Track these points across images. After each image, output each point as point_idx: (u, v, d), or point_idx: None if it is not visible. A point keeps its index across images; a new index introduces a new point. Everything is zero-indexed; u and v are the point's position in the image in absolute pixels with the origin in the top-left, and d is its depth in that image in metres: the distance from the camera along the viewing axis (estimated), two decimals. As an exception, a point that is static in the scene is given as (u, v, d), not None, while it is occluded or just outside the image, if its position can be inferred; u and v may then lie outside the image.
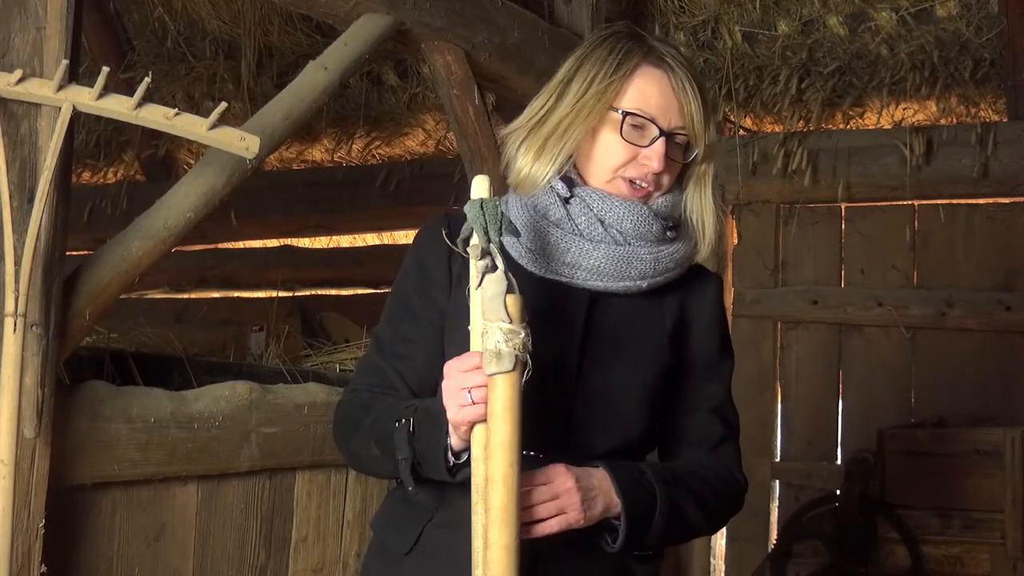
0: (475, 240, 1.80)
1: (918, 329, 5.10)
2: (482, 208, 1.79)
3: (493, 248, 1.78)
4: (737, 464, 2.21)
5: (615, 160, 2.06)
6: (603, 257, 2.02)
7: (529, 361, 1.77)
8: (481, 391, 1.79)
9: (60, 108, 2.23)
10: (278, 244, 6.41)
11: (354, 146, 6.01)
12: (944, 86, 4.95)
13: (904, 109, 5.16)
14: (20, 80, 2.21)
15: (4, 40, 2.26)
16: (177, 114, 2.31)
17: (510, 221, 1.85)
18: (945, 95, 5.01)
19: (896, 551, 4.49)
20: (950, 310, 5.02)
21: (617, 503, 1.93)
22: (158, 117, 2.29)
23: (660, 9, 5.22)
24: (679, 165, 2.10)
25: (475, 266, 1.78)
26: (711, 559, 5.28)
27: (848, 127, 5.26)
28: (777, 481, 5.30)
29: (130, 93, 2.27)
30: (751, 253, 5.39)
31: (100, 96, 2.25)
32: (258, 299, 6.37)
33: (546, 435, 1.95)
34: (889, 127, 5.15)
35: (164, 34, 6.00)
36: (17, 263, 2.18)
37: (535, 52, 3.90)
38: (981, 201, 5.08)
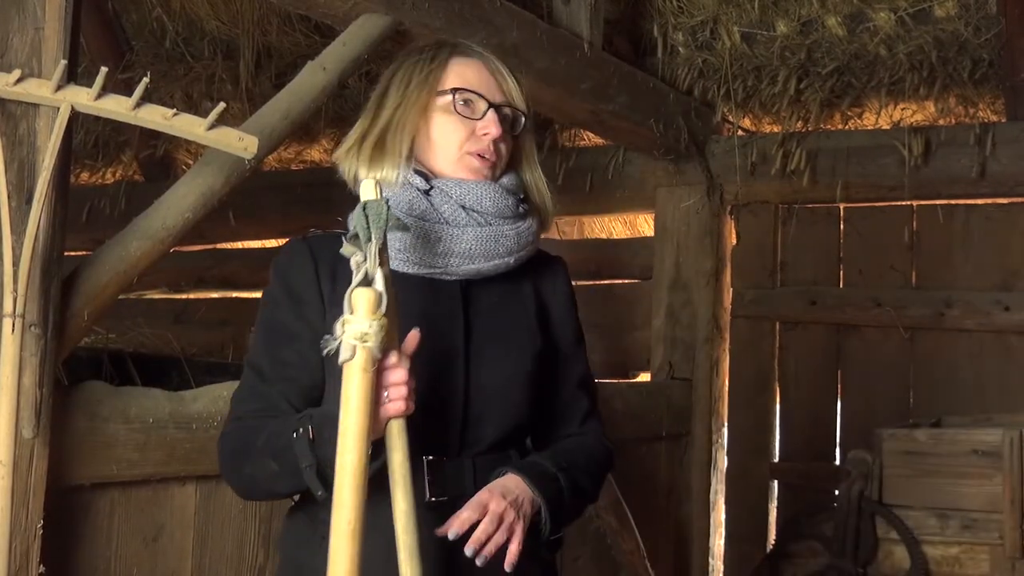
0: (351, 242, 1.87)
1: (916, 329, 5.10)
2: (364, 210, 1.84)
3: (369, 247, 1.83)
4: (603, 431, 2.33)
5: (457, 137, 2.15)
6: (472, 239, 2.10)
7: (376, 353, 1.81)
8: (399, 388, 1.85)
9: (58, 108, 2.23)
10: (276, 244, 6.41)
11: (353, 146, 6.00)
12: (943, 86, 4.95)
13: (903, 109, 5.16)
14: (18, 80, 2.21)
15: (2, 40, 2.26)
16: (175, 114, 2.31)
17: (397, 219, 1.92)
18: (944, 95, 5.01)
19: (894, 551, 4.49)
20: (948, 310, 5.02)
21: (536, 499, 2.05)
22: (156, 117, 2.29)
23: (659, 9, 5.22)
24: (511, 140, 2.19)
25: (352, 263, 1.84)
26: (710, 559, 5.28)
27: (847, 127, 5.26)
28: (776, 481, 5.30)
29: (128, 93, 2.27)
30: (750, 253, 5.40)
31: (98, 96, 2.25)
32: (257, 299, 6.35)
33: (446, 435, 2.01)
34: (888, 127, 5.15)
35: (163, 34, 6.00)
36: (15, 263, 2.18)
37: (534, 52, 3.90)
38: (979, 201, 5.08)
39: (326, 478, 1.90)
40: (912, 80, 4.94)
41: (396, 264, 2.05)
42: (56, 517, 2.34)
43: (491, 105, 2.15)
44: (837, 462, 5.13)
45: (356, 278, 1.83)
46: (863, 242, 5.24)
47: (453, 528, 1.95)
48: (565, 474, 2.11)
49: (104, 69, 2.22)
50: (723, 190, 5.31)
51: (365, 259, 1.84)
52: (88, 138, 6.36)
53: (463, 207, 2.11)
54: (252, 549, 2.87)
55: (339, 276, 2.07)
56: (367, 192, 1.90)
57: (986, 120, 4.99)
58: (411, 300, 2.02)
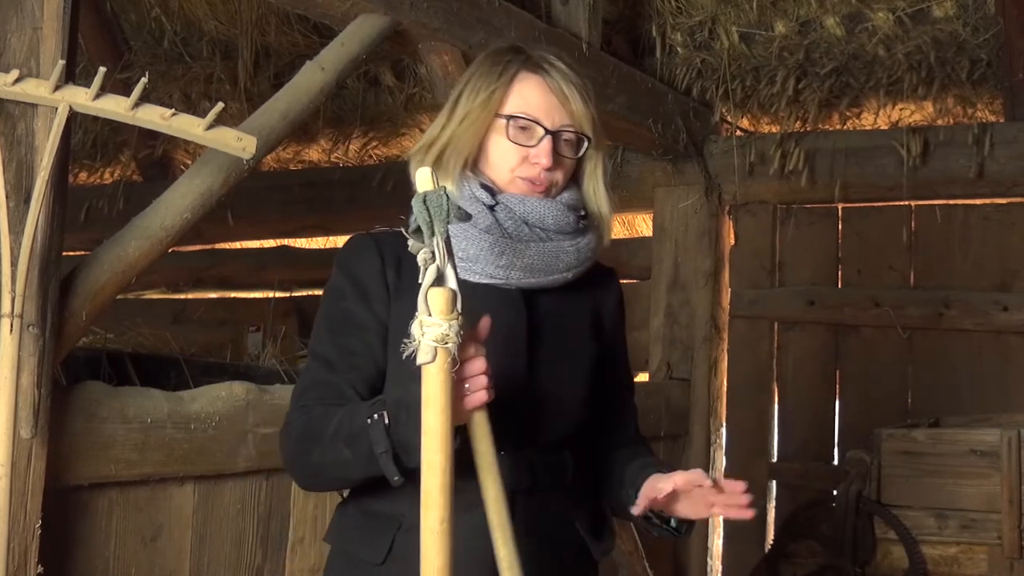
0: (415, 236, 1.85)
1: (915, 330, 5.11)
2: (425, 202, 1.82)
3: (436, 241, 1.81)
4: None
5: (509, 162, 2.17)
6: (534, 255, 2.15)
7: (456, 352, 1.82)
8: (479, 379, 1.88)
9: (57, 108, 2.23)
10: (275, 244, 6.41)
11: (351, 146, 6.01)
12: (941, 86, 4.96)
13: (901, 109, 5.16)
14: (17, 80, 2.21)
15: (0, 40, 2.26)
16: (174, 114, 2.31)
17: (459, 208, 1.92)
18: (942, 95, 5.01)
19: (893, 551, 4.49)
20: (947, 311, 5.03)
21: None
22: (154, 117, 2.29)
23: (657, 9, 5.22)
24: (572, 161, 2.21)
25: (419, 260, 1.83)
26: (708, 559, 5.28)
27: (845, 127, 5.26)
28: (774, 481, 5.30)
29: (127, 93, 2.27)
30: (748, 254, 5.40)
31: (97, 96, 2.25)
32: (255, 299, 6.36)
33: (506, 433, 2.00)
34: (886, 127, 5.15)
35: (161, 34, 6.00)
36: (13, 263, 2.18)
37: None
38: (978, 202, 5.09)
39: (401, 463, 1.93)
40: (910, 80, 4.94)
41: (459, 271, 2.04)
42: (54, 517, 2.34)
43: (547, 132, 2.15)
44: (835, 462, 5.13)
45: (427, 277, 1.81)
46: (861, 242, 5.24)
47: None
48: None
49: (102, 69, 2.22)
50: (721, 190, 5.31)
51: (433, 256, 1.82)
52: (87, 138, 6.36)
53: (526, 223, 2.15)
54: (250, 549, 2.87)
55: (404, 270, 2.12)
56: (424, 182, 1.86)
57: (984, 120, 4.99)
58: (476, 303, 2.03)
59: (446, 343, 1.79)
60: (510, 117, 2.16)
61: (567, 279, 2.20)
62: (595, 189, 2.25)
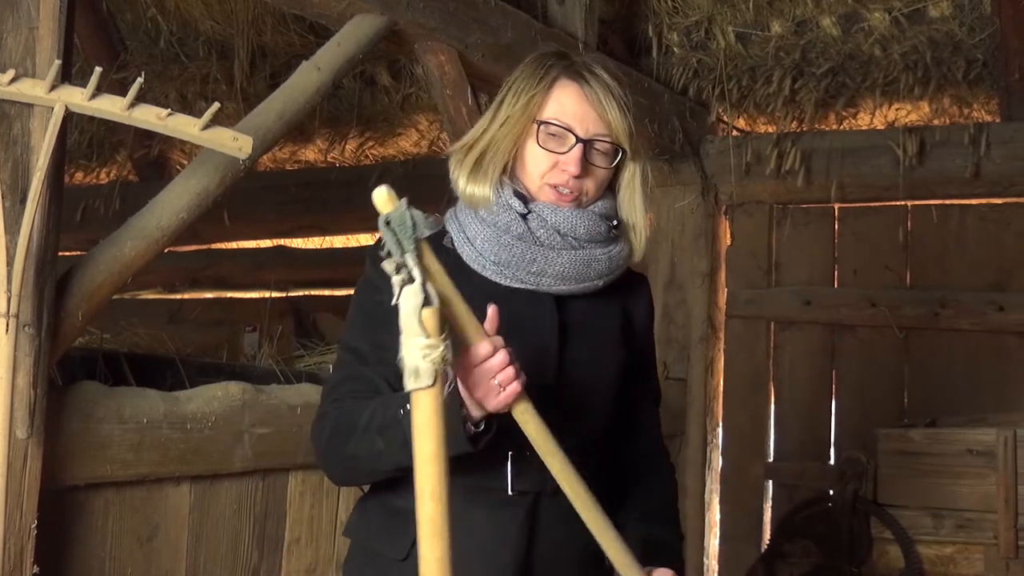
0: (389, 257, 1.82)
1: (911, 329, 5.11)
2: (388, 224, 1.79)
3: (408, 259, 1.78)
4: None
5: (539, 168, 2.18)
6: (566, 263, 2.17)
7: (450, 373, 1.83)
8: (507, 372, 1.88)
9: (53, 108, 2.23)
10: (271, 244, 6.40)
11: (347, 146, 6.00)
12: (937, 87, 4.96)
13: (897, 110, 5.17)
14: (12, 80, 2.20)
15: (-4, 40, 2.26)
16: (170, 114, 2.30)
17: (426, 217, 1.86)
18: (938, 96, 5.02)
19: (889, 551, 4.50)
20: (943, 310, 5.03)
21: None
22: (150, 117, 2.29)
23: (653, 9, 5.22)
24: (606, 171, 2.22)
25: (394, 282, 1.80)
26: (705, 559, 5.28)
27: (841, 127, 5.27)
28: (770, 481, 5.30)
29: (123, 93, 2.27)
30: (744, 254, 5.40)
31: (93, 96, 2.25)
32: (251, 300, 6.36)
33: (518, 431, 2.00)
34: (882, 127, 5.15)
35: (157, 34, 5.99)
36: (9, 263, 2.18)
37: (528, 52, 3.84)
38: (974, 202, 5.09)
39: None
40: (906, 80, 4.95)
41: (491, 274, 2.15)
42: (50, 517, 2.33)
43: (579, 140, 2.16)
44: (832, 462, 5.13)
45: (404, 297, 1.78)
46: (858, 242, 5.25)
47: None
48: (679, 542, 2.31)
49: (98, 69, 2.21)
50: (718, 190, 5.32)
51: (410, 276, 1.79)
52: (83, 138, 6.36)
53: (558, 232, 2.17)
54: (247, 549, 2.87)
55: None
56: (382, 203, 1.80)
57: (980, 120, 5.00)
58: (508, 305, 2.07)
59: (445, 364, 1.77)
60: (543, 123, 2.17)
61: (598, 287, 2.22)
62: (630, 199, 2.26)
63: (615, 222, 2.26)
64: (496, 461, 2.06)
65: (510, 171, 2.21)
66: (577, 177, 2.16)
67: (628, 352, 2.30)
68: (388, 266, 1.79)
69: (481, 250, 2.16)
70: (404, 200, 1.81)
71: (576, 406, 2.15)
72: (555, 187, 2.17)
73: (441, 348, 1.75)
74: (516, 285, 2.15)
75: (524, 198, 2.19)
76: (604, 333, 2.26)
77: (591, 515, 1.98)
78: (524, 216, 2.17)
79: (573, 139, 2.15)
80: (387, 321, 2.10)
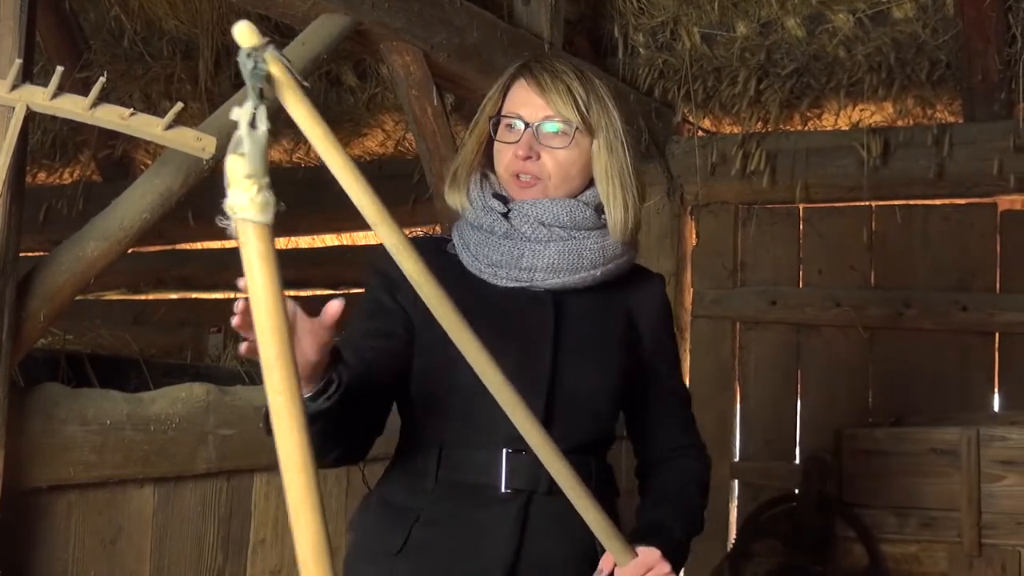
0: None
1: (876, 329, 5.14)
2: (248, 55, 1.76)
3: (249, 105, 1.75)
4: (699, 435, 2.46)
5: (503, 162, 2.22)
6: (554, 254, 2.16)
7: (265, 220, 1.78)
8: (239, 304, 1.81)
9: (14, 108, 2.21)
10: (236, 245, 6.36)
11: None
12: (901, 88, 4.99)
13: (861, 110, 5.19)
14: (-27, 79, 2.19)
15: (-43, 39, 2.24)
16: (132, 114, 2.29)
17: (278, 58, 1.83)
18: (902, 97, 5.05)
19: (853, 550, 4.51)
20: (907, 310, 5.06)
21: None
22: (113, 117, 2.28)
23: (619, 10, 5.23)
24: (566, 151, 2.20)
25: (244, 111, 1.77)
26: (670, 559, 5.28)
27: (806, 128, 5.29)
28: (736, 480, 5.32)
29: (86, 93, 2.25)
30: (710, 254, 5.42)
31: (54, 96, 2.23)
32: (216, 300, 6.33)
33: (514, 430, 1.98)
34: (846, 128, 5.18)
35: (121, 34, 5.96)
36: (-30, 264, 2.16)
37: (494, 53, 3.89)
38: (937, 202, 5.13)
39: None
40: (871, 81, 4.98)
41: (487, 276, 2.17)
42: (12, 520, 2.32)
43: (527, 126, 2.18)
44: (797, 461, 5.15)
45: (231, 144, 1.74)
46: (822, 242, 5.27)
47: (605, 568, 2.11)
48: (686, 528, 2.27)
49: (60, 68, 2.20)
50: (683, 191, 5.33)
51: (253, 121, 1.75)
52: (46, 138, 6.31)
53: (542, 224, 2.17)
54: (211, 551, 2.86)
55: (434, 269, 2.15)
56: (244, 38, 1.76)
57: (944, 121, 5.03)
58: (503, 306, 2.14)
59: (245, 213, 1.73)
60: (497, 119, 2.22)
61: (595, 277, 2.20)
62: (607, 190, 2.22)
63: (604, 211, 2.26)
64: (491, 458, 2.08)
65: (490, 178, 2.25)
66: (528, 159, 2.17)
67: (631, 354, 2.28)
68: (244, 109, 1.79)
69: (475, 254, 2.18)
70: (268, 41, 1.78)
71: (571, 406, 2.16)
72: (516, 176, 2.19)
73: (239, 196, 1.73)
74: (511, 284, 2.16)
75: (504, 198, 2.21)
76: (605, 333, 2.25)
77: (583, 503, 1.98)
78: (506, 215, 2.18)
79: (522, 125, 2.18)
80: (381, 310, 2.19)
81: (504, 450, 2.10)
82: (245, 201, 1.66)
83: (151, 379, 2.90)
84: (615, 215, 2.21)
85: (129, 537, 2.65)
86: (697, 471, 2.38)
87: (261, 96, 1.68)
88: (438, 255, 2.17)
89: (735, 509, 5.32)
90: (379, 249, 2.21)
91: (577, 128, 2.19)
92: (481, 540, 2.09)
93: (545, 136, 2.18)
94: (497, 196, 2.22)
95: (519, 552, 2.10)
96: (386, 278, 2.19)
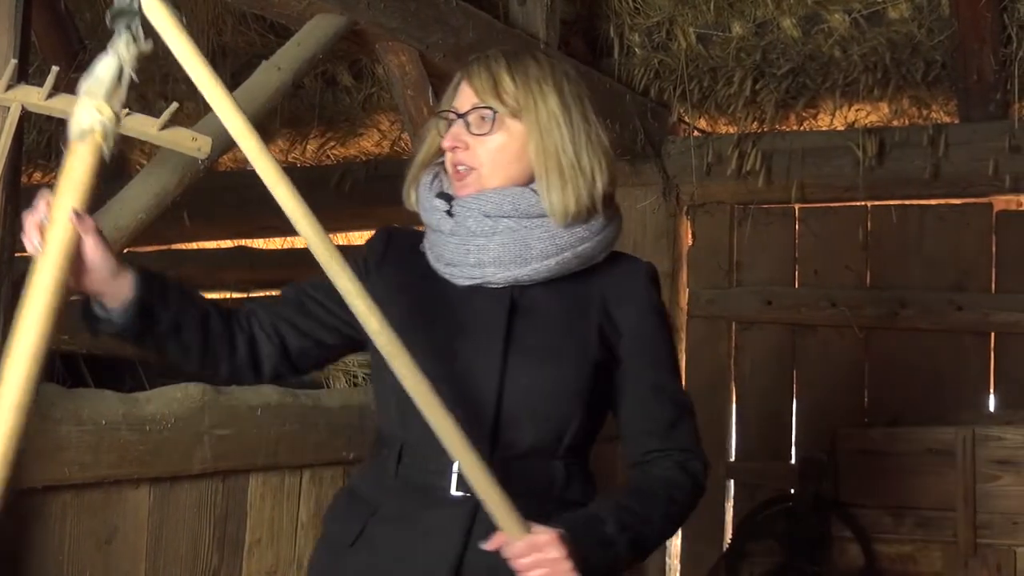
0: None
1: (871, 329, 5.14)
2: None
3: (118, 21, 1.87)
4: (694, 443, 2.27)
5: (447, 159, 2.20)
6: (498, 246, 2.11)
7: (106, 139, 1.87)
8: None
9: (9, 108, 2.21)
10: (232, 245, 6.37)
11: (308, 147, 5.98)
12: (896, 88, 4.99)
13: (857, 110, 5.19)
14: (-32, 79, 2.18)
15: (-48, 39, 2.24)
16: (128, 114, 2.29)
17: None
18: (897, 97, 5.05)
19: (849, 550, 4.52)
20: (903, 310, 5.06)
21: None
22: (109, 117, 2.27)
23: (615, 10, 5.23)
24: (494, 138, 2.15)
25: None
26: (667, 559, 5.29)
27: (801, 128, 5.29)
28: (732, 480, 5.32)
29: (81, 93, 2.25)
30: (705, 254, 5.42)
31: (50, 96, 2.23)
32: (212, 301, 6.31)
33: (476, 434, 2.00)
34: (842, 128, 5.18)
35: (116, 33, 5.95)
36: (-35, 264, 2.16)
37: (490, 53, 3.89)
38: (933, 202, 5.13)
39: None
40: (866, 81, 4.97)
41: (447, 276, 2.14)
42: (7, 520, 2.31)
43: (458, 116, 2.16)
44: (793, 461, 5.15)
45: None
46: (818, 242, 5.27)
47: (492, 544, 2.00)
48: (626, 536, 2.07)
49: (55, 68, 2.20)
50: (679, 191, 5.33)
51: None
52: (41, 138, 6.30)
53: (487, 216, 2.12)
54: (207, 551, 2.85)
55: (396, 263, 2.21)
56: None
57: (939, 121, 5.03)
58: (461, 306, 2.11)
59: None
60: (437, 117, 2.22)
61: (551, 268, 2.12)
62: (540, 174, 2.14)
63: None
64: (443, 460, 2.01)
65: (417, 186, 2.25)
66: (457, 149, 2.15)
67: (607, 345, 2.17)
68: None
69: (435, 254, 2.16)
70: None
71: (526, 408, 2.09)
72: (456, 169, 2.17)
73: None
74: (468, 283, 2.12)
75: (449, 196, 2.18)
76: (571, 329, 2.15)
77: (479, 479, 1.95)
78: (449, 212, 2.15)
79: (454, 117, 2.17)
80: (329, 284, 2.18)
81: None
82: (82, 116, 1.74)
83: (146, 379, 2.90)
84: (551, 199, 2.11)
85: (125, 537, 2.64)
86: (668, 480, 2.19)
87: (129, 29, 1.77)
88: (412, 253, 2.18)
89: (731, 509, 5.32)
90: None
91: (500, 113, 2.14)
92: (427, 541, 2.05)
93: (472, 125, 2.14)
94: (442, 194, 2.19)
95: (463, 556, 2.04)
96: (355, 259, 2.18)
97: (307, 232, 1.89)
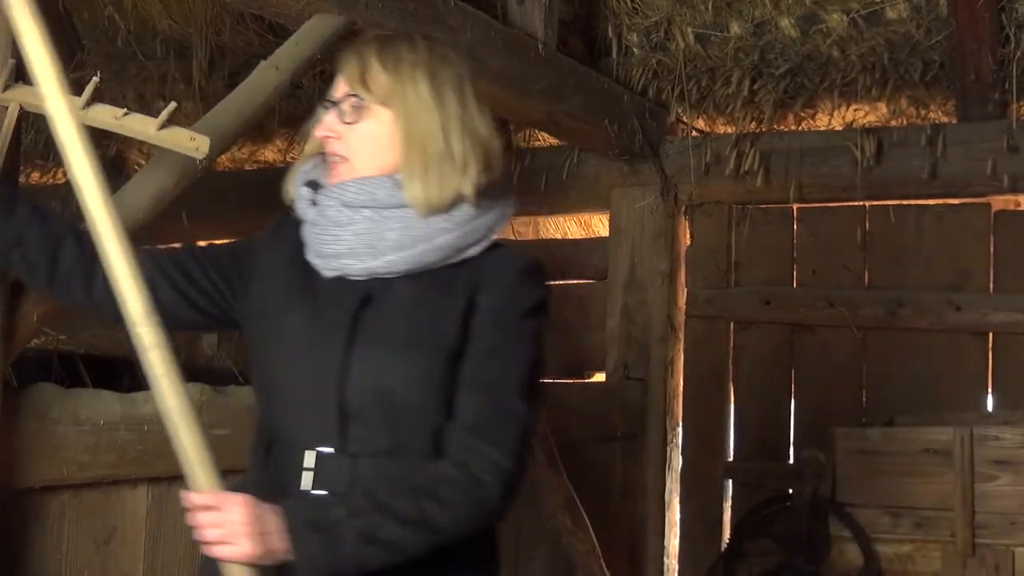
0: None
1: (869, 329, 5.14)
2: None
3: None
4: (499, 451, 1.99)
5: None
6: (352, 236, 2.04)
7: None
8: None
9: (7, 108, 2.21)
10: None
11: (307, 146, 5.98)
12: (894, 88, 4.99)
13: (855, 110, 5.19)
14: (-34, 79, 2.18)
15: (-50, 39, 2.24)
16: (126, 114, 2.29)
17: None
18: (895, 97, 5.04)
19: (847, 550, 4.52)
20: (900, 310, 5.06)
21: (289, 548, 1.89)
22: (107, 117, 2.28)
23: (613, 10, 5.23)
24: (364, 126, 2.09)
25: None
26: (665, 559, 5.30)
27: (800, 128, 5.28)
28: (730, 481, 5.32)
29: (79, 93, 2.25)
30: (704, 254, 5.41)
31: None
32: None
33: (324, 430, 1.99)
34: (840, 128, 5.18)
35: (114, 33, 5.95)
36: (-37, 264, 2.16)
37: (488, 53, 3.89)
38: (931, 202, 5.12)
39: None
40: (864, 81, 4.97)
41: (318, 267, 2.10)
42: (5, 520, 2.31)
43: (333, 104, 2.11)
44: (791, 461, 5.15)
45: None
46: (816, 242, 5.27)
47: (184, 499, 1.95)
48: (356, 523, 1.91)
49: (53, 68, 2.19)
50: (677, 190, 5.33)
51: None
52: (39, 138, 6.27)
53: (346, 206, 2.06)
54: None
55: (279, 251, 2.17)
56: None
57: (937, 121, 5.02)
58: (322, 298, 2.07)
59: None
60: (320, 106, 2.15)
61: (407, 260, 2.05)
62: (404, 162, 2.06)
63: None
64: (297, 454, 2.00)
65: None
66: (329, 139, 2.10)
67: (468, 336, 2.04)
68: None
69: (308, 245, 2.12)
70: None
71: (370, 401, 2.00)
72: (331, 158, 2.12)
73: None
74: (332, 274, 2.08)
75: (317, 184, 2.12)
76: (430, 321, 2.04)
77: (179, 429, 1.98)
78: (314, 201, 2.10)
79: (331, 106, 2.11)
80: (215, 252, 2.23)
81: (307, 451, 2.01)
82: None
83: (144, 379, 2.89)
84: (412, 188, 2.04)
85: (123, 537, 2.65)
86: (440, 476, 1.97)
87: None
88: (297, 241, 2.14)
89: (729, 509, 5.32)
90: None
91: (369, 100, 2.08)
92: None
93: (345, 113, 2.08)
94: (310, 183, 2.13)
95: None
96: (249, 244, 2.23)
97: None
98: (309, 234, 2.11)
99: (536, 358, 2.08)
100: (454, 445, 2.00)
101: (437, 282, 2.07)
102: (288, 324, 2.07)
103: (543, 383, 2.13)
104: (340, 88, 2.10)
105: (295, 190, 2.16)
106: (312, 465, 2.00)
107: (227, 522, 1.88)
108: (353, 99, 2.08)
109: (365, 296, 2.06)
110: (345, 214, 2.05)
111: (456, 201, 2.05)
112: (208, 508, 1.91)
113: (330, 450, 2.00)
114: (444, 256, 2.07)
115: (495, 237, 2.13)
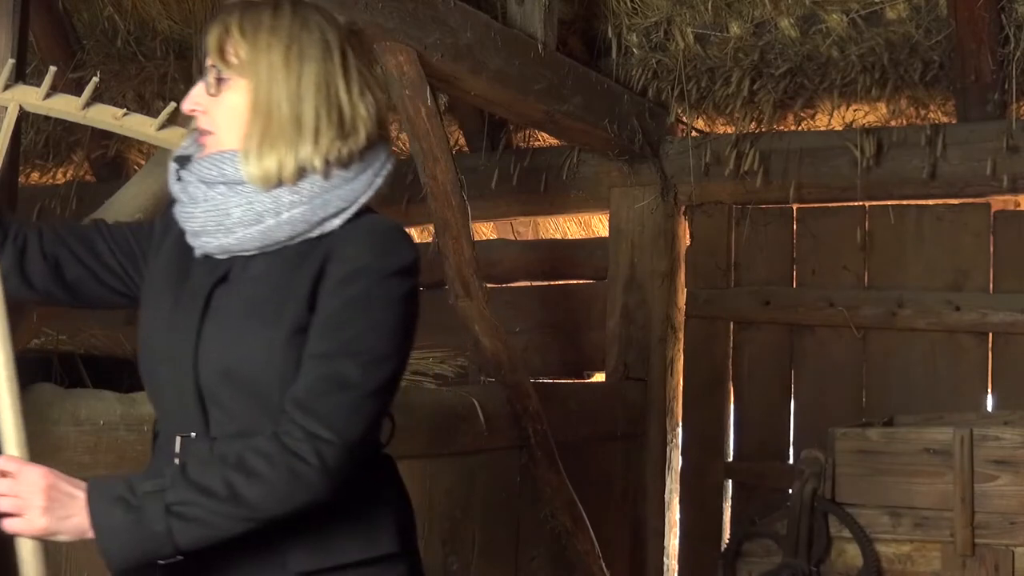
0: None
1: (869, 329, 5.14)
2: None
3: None
4: (320, 420, 1.86)
5: None
6: (203, 214, 1.97)
7: None
8: None
9: (7, 108, 2.21)
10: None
11: (306, 147, 5.98)
12: (894, 88, 4.99)
13: (855, 111, 5.19)
14: (-34, 79, 2.18)
15: (-50, 39, 2.24)
16: (126, 114, 2.29)
17: None
18: (895, 97, 5.05)
19: (847, 550, 4.51)
20: (900, 310, 5.06)
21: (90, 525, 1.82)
22: (106, 117, 2.28)
23: (612, 10, 5.23)
24: (224, 98, 2.00)
25: None
26: (665, 559, 5.30)
27: (799, 128, 5.29)
28: (730, 481, 5.32)
29: (79, 93, 2.25)
30: (703, 254, 5.41)
31: (47, 96, 2.23)
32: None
33: (186, 413, 1.96)
34: (840, 128, 5.18)
35: (114, 34, 5.95)
36: (-37, 264, 2.16)
37: (488, 53, 3.89)
38: (930, 202, 5.13)
39: None
40: (864, 81, 4.98)
41: (193, 245, 2.03)
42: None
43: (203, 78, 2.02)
44: (790, 461, 5.16)
45: None
46: (816, 242, 5.27)
47: None
48: (161, 498, 1.80)
49: (53, 68, 2.20)
50: (677, 191, 5.33)
51: None
52: (39, 138, 6.29)
53: (203, 182, 1.98)
54: (205, 552, 2.85)
55: (172, 233, 2.09)
56: None
57: (937, 121, 5.03)
58: (190, 278, 2.02)
59: None
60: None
61: (254, 236, 1.96)
62: (245, 135, 1.97)
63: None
64: (169, 440, 1.98)
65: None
66: (194, 112, 2.01)
67: (312, 313, 1.94)
68: None
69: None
70: None
71: (225, 381, 1.93)
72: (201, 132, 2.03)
73: None
74: (199, 252, 2.01)
75: (186, 159, 2.03)
76: (282, 299, 1.93)
77: None
78: (179, 177, 2.02)
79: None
80: (130, 228, 2.19)
81: (177, 436, 1.96)
82: None
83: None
84: (247, 162, 1.94)
85: (122, 538, 2.64)
86: (251, 448, 1.85)
87: None
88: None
89: (729, 509, 5.33)
90: None
91: (227, 72, 1.98)
92: None
93: (209, 86, 1.99)
94: (179, 158, 2.04)
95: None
96: (151, 228, 2.16)
97: None
98: (177, 211, 2.04)
99: (393, 324, 1.94)
100: (289, 410, 1.88)
101: (294, 257, 1.97)
102: (160, 306, 2.03)
103: (403, 349, 1.98)
104: (208, 60, 2.01)
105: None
106: (179, 451, 1.95)
107: (21, 492, 1.81)
108: (214, 70, 1.99)
109: (222, 276, 1.99)
110: (201, 190, 1.98)
111: (303, 173, 1.95)
112: (2, 474, 1.83)
113: (193, 435, 1.95)
114: (297, 231, 1.96)
115: (358, 207, 2.01)
